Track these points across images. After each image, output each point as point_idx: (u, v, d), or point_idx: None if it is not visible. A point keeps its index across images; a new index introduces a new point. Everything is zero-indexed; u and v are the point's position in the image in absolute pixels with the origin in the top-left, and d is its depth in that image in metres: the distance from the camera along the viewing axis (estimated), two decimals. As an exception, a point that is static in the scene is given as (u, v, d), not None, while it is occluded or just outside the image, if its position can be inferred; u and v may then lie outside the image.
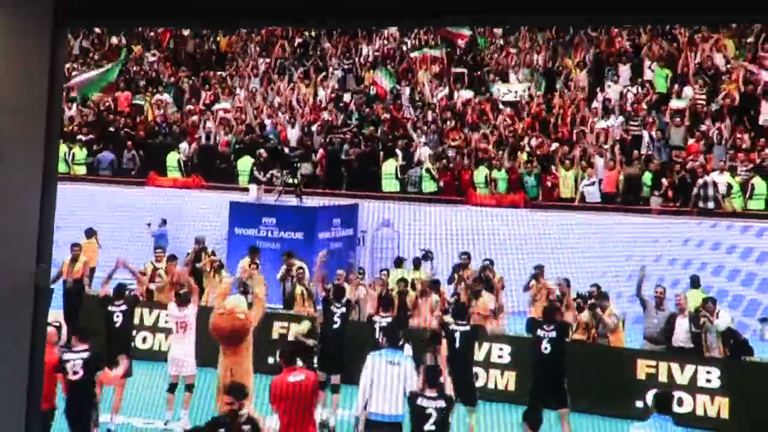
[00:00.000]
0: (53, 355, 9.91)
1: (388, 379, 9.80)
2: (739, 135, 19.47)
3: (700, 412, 13.20)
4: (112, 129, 24.26)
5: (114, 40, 29.16)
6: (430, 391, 9.24)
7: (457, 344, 11.88)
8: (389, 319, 12.33)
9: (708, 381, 13.29)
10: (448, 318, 13.29)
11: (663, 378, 13.34)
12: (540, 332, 11.98)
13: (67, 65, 23.90)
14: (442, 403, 9.17)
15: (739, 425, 12.92)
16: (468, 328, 12.11)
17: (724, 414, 13.11)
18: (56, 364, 9.80)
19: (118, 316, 12.87)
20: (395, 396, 9.78)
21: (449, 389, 9.48)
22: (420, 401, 9.20)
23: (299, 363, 9.66)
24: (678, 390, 13.09)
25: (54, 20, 3.53)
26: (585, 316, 14.48)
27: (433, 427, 9.07)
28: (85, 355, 9.97)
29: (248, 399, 8.42)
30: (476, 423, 11.53)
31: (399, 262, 16.96)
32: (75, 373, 9.78)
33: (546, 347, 11.84)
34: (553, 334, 11.91)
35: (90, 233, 18.91)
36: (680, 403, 13.06)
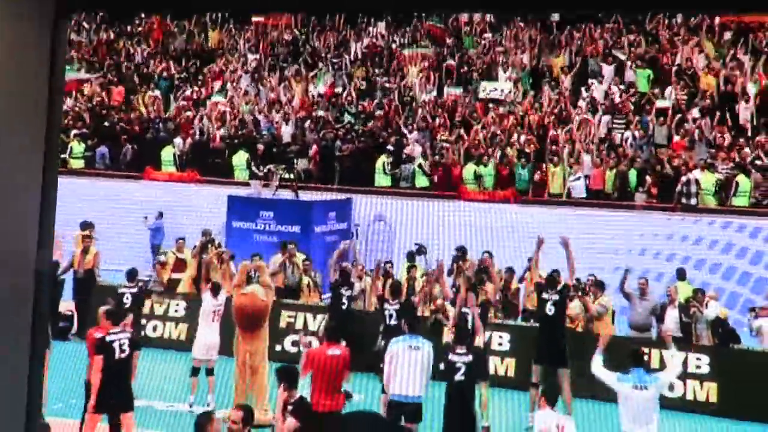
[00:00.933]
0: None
1: (409, 362, 10.46)
2: (719, 134, 20.26)
3: (690, 396, 13.96)
4: (106, 124, 24.57)
5: (103, 35, 29.44)
6: (460, 348, 10.55)
7: (469, 325, 12.57)
8: (397, 306, 13.09)
9: (698, 367, 14.03)
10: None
11: (655, 364, 13.95)
12: (545, 295, 13.11)
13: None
14: (469, 358, 10.46)
15: (727, 408, 13.67)
16: (479, 310, 12.88)
17: (713, 398, 13.89)
18: (96, 344, 10.35)
19: (127, 297, 13.87)
20: (416, 378, 10.46)
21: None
22: (450, 357, 10.49)
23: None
24: (669, 376, 13.87)
25: (55, 11, 3.46)
26: (574, 306, 15.03)
27: (462, 377, 10.38)
28: (129, 334, 10.57)
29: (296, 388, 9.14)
30: (489, 396, 12.08)
31: (411, 256, 17.41)
32: (123, 351, 10.30)
33: (550, 309, 12.99)
34: (556, 297, 13.05)
35: (85, 226, 19.19)
36: (671, 388, 13.72)
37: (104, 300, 12.14)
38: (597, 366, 10.39)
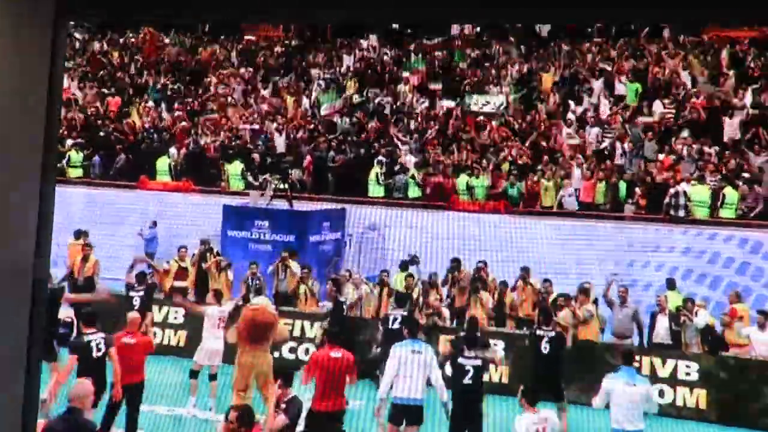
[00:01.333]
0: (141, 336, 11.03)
1: (411, 366, 10.73)
2: (707, 148, 20.63)
3: (679, 402, 14.30)
4: (102, 133, 24.75)
5: (96, 46, 29.66)
6: (469, 352, 10.93)
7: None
8: (404, 313, 13.37)
9: (687, 374, 14.37)
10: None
11: (646, 371, 14.29)
12: (540, 332, 13.03)
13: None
14: (478, 362, 10.90)
15: (716, 414, 14.03)
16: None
17: (702, 404, 14.22)
18: (72, 345, 10.86)
19: (136, 300, 14.52)
20: (418, 381, 10.73)
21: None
22: (460, 360, 10.92)
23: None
24: (659, 383, 14.21)
25: (55, 12, 3.44)
26: (564, 315, 15.29)
27: (470, 381, 10.81)
28: (102, 334, 10.94)
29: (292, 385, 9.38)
30: (485, 409, 12.32)
31: (405, 266, 17.64)
32: (99, 350, 10.73)
33: (545, 347, 12.87)
34: (552, 334, 12.97)
35: (78, 235, 19.34)
36: (662, 394, 14.13)
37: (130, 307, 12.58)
38: (598, 402, 10.83)
